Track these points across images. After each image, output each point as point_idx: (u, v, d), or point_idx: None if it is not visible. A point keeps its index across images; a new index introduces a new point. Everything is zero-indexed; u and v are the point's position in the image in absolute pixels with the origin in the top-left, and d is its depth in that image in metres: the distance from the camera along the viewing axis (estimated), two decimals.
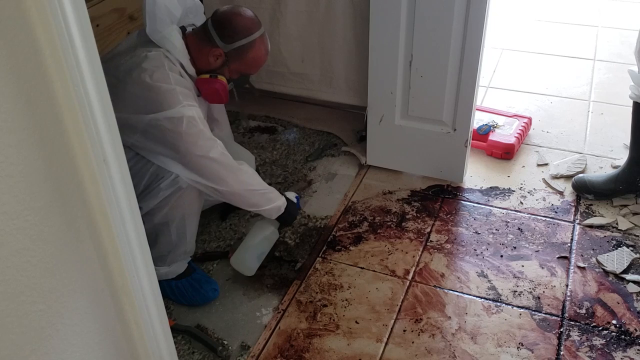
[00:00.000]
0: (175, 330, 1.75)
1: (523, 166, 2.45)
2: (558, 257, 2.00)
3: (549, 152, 2.52)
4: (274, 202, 1.84)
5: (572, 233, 2.10)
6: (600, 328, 1.76)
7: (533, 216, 2.18)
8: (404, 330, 1.77)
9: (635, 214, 2.15)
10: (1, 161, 0.79)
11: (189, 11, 1.75)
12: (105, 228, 1.03)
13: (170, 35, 1.64)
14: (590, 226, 2.12)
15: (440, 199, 2.29)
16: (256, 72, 1.84)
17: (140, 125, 1.58)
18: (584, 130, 2.67)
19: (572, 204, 2.23)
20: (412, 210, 2.23)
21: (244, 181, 1.73)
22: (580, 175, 2.30)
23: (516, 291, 1.88)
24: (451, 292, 1.89)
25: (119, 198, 1.02)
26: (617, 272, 1.92)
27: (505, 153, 2.47)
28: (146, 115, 1.57)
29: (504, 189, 2.32)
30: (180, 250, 1.83)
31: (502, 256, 2.01)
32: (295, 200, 1.98)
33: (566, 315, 1.80)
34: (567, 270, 1.95)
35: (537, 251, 2.03)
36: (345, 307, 1.85)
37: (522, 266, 1.97)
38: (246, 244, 1.90)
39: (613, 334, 1.74)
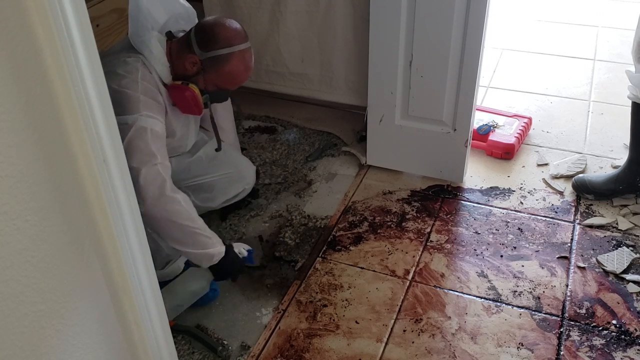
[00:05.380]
0: (175, 330, 1.75)
1: (523, 166, 2.45)
2: (558, 257, 2.00)
3: (549, 152, 2.52)
4: (206, 248, 1.68)
5: (572, 233, 2.10)
6: (600, 328, 1.76)
7: (533, 216, 2.18)
8: (404, 330, 1.77)
9: (635, 214, 2.15)
10: (1, 161, 0.79)
11: (180, 17, 1.72)
12: (105, 228, 1.03)
13: (148, 40, 1.61)
14: (590, 226, 2.12)
15: (440, 199, 2.29)
16: (234, 88, 1.73)
17: None
18: (584, 130, 2.67)
19: (572, 204, 2.23)
20: (412, 210, 2.23)
21: (168, 209, 1.60)
22: (580, 175, 2.30)
23: (516, 291, 1.88)
24: (451, 292, 1.89)
25: (119, 198, 1.03)
26: (617, 272, 1.92)
27: (505, 153, 2.47)
28: None
29: (504, 189, 2.32)
30: (163, 254, 1.80)
31: (502, 256, 2.01)
32: (246, 254, 1.83)
33: (566, 315, 1.80)
34: (567, 270, 1.95)
35: (537, 251, 2.03)
36: (345, 307, 1.85)
37: (522, 266, 1.97)
38: (166, 292, 1.69)
39: (613, 334, 1.74)
